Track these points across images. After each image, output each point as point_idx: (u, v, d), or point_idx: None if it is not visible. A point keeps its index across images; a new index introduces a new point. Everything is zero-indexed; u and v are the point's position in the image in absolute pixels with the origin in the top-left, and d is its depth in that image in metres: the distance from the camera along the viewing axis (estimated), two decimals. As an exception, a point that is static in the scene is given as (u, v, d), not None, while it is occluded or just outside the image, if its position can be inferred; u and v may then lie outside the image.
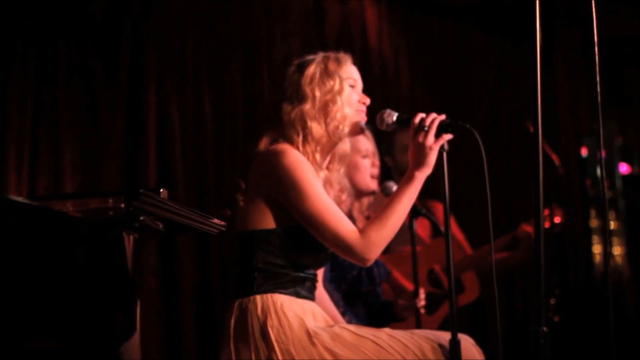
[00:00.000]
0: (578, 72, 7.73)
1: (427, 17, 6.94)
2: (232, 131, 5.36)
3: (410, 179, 2.83)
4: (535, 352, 2.13)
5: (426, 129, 2.83)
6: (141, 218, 2.08)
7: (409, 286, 4.80)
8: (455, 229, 5.45)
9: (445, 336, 2.70)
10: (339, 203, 2.88)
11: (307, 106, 2.88)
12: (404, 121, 2.94)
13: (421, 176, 2.83)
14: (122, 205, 2.04)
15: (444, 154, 2.85)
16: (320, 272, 3.09)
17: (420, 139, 2.82)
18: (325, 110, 2.88)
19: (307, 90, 2.89)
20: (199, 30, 5.34)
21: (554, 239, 5.54)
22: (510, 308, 6.92)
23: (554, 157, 4.86)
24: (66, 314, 1.95)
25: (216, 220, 2.53)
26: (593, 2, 2.29)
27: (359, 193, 3.79)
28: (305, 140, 2.85)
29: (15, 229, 1.85)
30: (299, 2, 5.97)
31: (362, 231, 2.74)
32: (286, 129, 2.87)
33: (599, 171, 7.63)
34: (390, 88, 6.55)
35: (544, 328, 2.12)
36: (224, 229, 2.61)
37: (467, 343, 2.75)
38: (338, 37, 6.24)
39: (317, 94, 2.89)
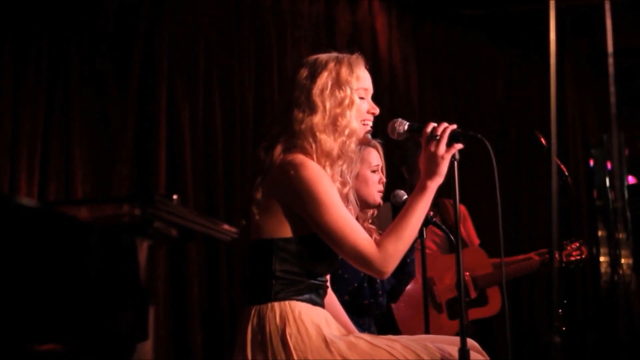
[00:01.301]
0: (586, 83, 7.74)
1: (437, 26, 6.94)
2: (243, 137, 5.38)
3: (422, 189, 2.83)
4: None
5: (438, 138, 2.83)
6: (155, 225, 2.08)
7: (439, 285, 4.83)
8: (473, 236, 5.46)
9: (455, 342, 2.70)
10: (342, 197, 2.86)
11: (317, 118, 2.83)
12: (416, 130, 2.94)
13: (433, 186, 2.83)
14: (137, 211, 2.03)
15: (455, 164, 2.84)
16: (328, 278, 3.09)
17: (432, 148, 2.82)
18: (334, 124, 2.85)
19: (318, 101, 2.84)
20: (210, 37, 5.37)
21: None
22: (517, 318, 6.92)
23: (562, 167, 4.87)
24: (78, 319, 1.95)
25: (227, 227, 2.53)
26: (608, 12, 2.28)
27: (364, 205, 3.78)
28: (317, 152, 2.82)
29: (29, 234, 1.85)
30: (310, 9, 5.99)
31: (379, 244, 2.74)
32: (298, 139, 2.84)
33: (607, 181, 7.63)
34: (400, 97, 6.55)
35: (557, 338, 2.13)
36: (236, 235, 2.61)
37: (474, 352, 2.74)
38: (348, 45, 6.23)
39: (328, 106, 2.84)
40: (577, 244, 5.15)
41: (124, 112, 4.92)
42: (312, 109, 2.84)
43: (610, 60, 2.33)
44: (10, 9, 4.51)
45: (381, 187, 3.79)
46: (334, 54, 2.97)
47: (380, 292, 3.80)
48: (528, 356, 6.83)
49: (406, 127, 2.96)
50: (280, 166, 2.81)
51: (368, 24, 6.42)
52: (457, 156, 2.84)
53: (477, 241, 5.44)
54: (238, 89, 5.45)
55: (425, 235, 3.73)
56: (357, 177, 3.71)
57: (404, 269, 3.84)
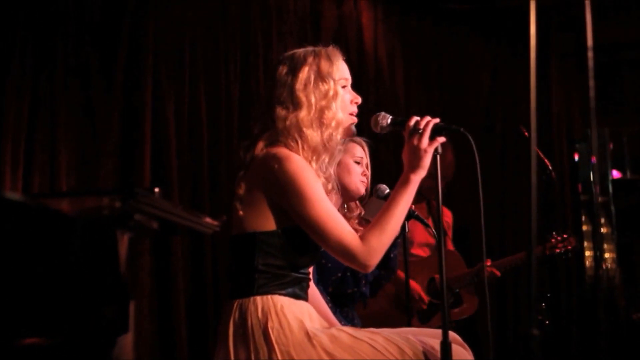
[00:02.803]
0: (571, 78, 7.77)
1: (422, 21, 6.96)
2: (228, 131, 5.38)
3: (405, 182, 2.84)
4: (526, 354, 2.15)
5: (420, 131, 2.84)
6: (136, 217, 2.08)
7: (417, 287, 4.86)
8: (450, 234, 5.51)
9: (437, 335, 2.71)
10: (326, 192, 2.87)
11: (303, 113, 2.83)
12: (399, 124, 2.94)
13: (416, 179, 2.84)
14: (118, 204, 2.03)
15: (438, 157, 2.86)
16: (311, 270, 3.10)
17: (415, 141, 2.83)
18: (320, 117, 2.86)
19: (302, 96, 2.84)
20: (196, 31, 5.36)
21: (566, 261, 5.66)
22: (501, 312, 6.95)
23: (547, 161, 4.90)
24: (58, 311, 1.95)
25: (210, 220, 2.54)
26: (588, 7, 2.28)
27: (346, 194, 3.78)
28: (303, 147, 2.83)
29: (7, 226, 1.85)
30: (296, 4, 5.99)
31: (363, 237, 2.75)
32: (282, 136, 2.83)
33: (591, 176, 7.67)
34: (385, 91, 6.57)
35: (535, 331, 2.14)
36: (218, 229, 2.61)
37: (456, 345, 2.75)
38: (334, 40, 6.18)
39: (312, 100, 2.84)
40: (565, 235, 5.18)
41: (109, 105, 4.91)
42: (296, 104, 2.84)
43: (590, 54, 2.34)
44: (-7, 2, 4.50)
45: (364, 179, 3.80)
46: (309, 48, 2.97)
47: (363, 282, 3.81)
48: (512, 351, 6.85)
49: (389, 120, 2.97)
50: (263, 159, 2.80)
51: (354, 18, 6.43)
52: (439, 150, 2.85)
53: (450, 248, 5.48)
54: (224, 83, 5.44)
55: (407, 229, 3.74)
56: (339, 165, 3.71)
57: (387, 264, 3.86)
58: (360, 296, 3.86)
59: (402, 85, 6.71)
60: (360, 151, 3.82)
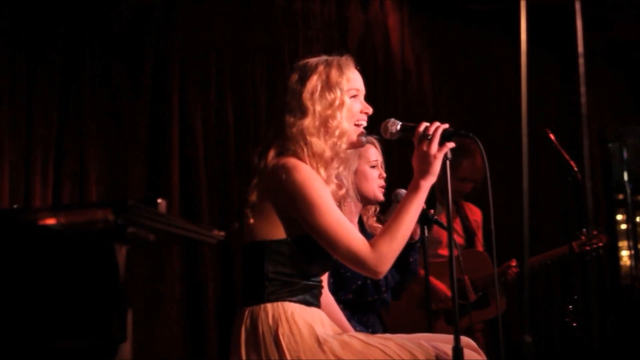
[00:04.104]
0: (601, 78, 7.72)
1: (449, 23, 6.95)
2: (256, 138, 5.40)
3: (415, 188, 2.85)
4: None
5: (430, 137, 2.84)
6: (129, 230, 2.11)
7: (443, 288, 4.86)
8: (479, 242, 5.50)
9: (450, 341, 2.71)
10: (337, 199, 2.89)
11: (308, 121, 2.85)
12: (408, 130, 2.95)
13: (426, 185, 2.85)
14: (110, 217, 2.07)
15: (447, 162, 2.86)
16: (324, 278, 3.11)
17: (424, 147, 2.84)
18: (325, 126, 2.87)
19: (308, 104, 2.86)
20: (222, 39, 5.40)
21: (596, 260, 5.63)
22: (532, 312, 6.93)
23: (572, 163, 4.88)
24: (51, 322, 2.01)
25: (213, 231, 2.57)
26: (578, 12, 2.28)
27: (365, 201, 3.80)
28: (308, 155, 2.84)
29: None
30: (322, 9, 6.01)
31: (373, 244, 2.76)
32: (290, 143, 2.86)
33: (625, 175, 7.63)
34: (413, 94, 6.57)
35: (528, 337, 2.15)
36: (222, 239, 2.64)
37: (469, 350, 2.75)
38: (360, 44, 6.28)
39: (318, 108, 2.86)
40: (595, 232, 5.15)
41: (137, 114, 4.96)
42: (302, 112, 2.87)
43: (581, 61, 2.34)
44: (23, 13, 4.56)
45: (382, 183, 3.81)
46: (323, 57, 2.99)
47: (384, 289, 3.82)
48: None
49: (399, 127, 2.98)
50: (272, 170, 2.82)
51: (380, 22, 6.44)
52: (449, 155, 2.85)
53: (482, 249, 5.47)
54: (250, 90, 5.48)
55: (427, 233, 3.74)
56: (356, 173, 3.73)
57: (407, 268, 3.86)
58: (381, 303, 3.86)
59: (429, 87, 6.71)
60: (374, 153, 3.82)
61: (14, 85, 4.51)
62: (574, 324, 4.57)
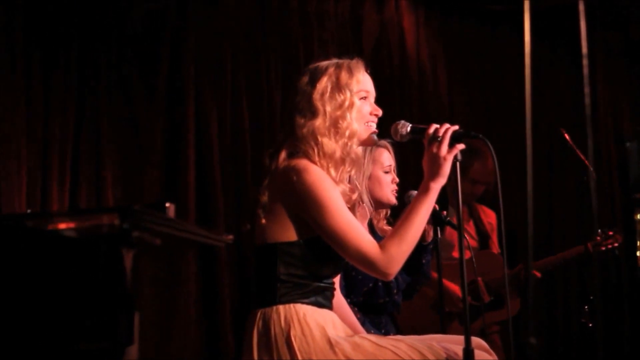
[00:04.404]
0: (619, 76, 7.69)
1: (464, 22, 6.93)
2: (271, 140, 5.41)
3: (425, 190, 2.86)
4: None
5: (440, 139, 2.85)
6: (134, 234, 2.14)
7: (457, 290, 4.86)
8: (494, 244, 5.50)
9: (461, 342, 2.71)
10: (348, 202, 2.90)
11: (318, 122, 2.87)
12: (418, 132, 2.96)
13: (436, 187, 2.86)
14: (116, 222, 2.10)
15: (457, 164, 2.86)
16: (337, 280, 3.12)
17: (434, 149, 2.85)
18: (335, 126, 2.89)
19: (319, 105, 2.88)
20: (237, 41, 5.42)
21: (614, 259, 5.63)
22: (551, 311, 6.92)
23: (586, 162, 4.88)
24: (58, 325, 2.04)
25: (221, 235, 2.59)
26: (582, 13, 2.28)
27: (379, 205, 3.82)
28: (319, 155, 2.86)
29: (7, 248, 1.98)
30: (336, 10, 6.01)
31: (382, 246, 2.77)
32: (301, 143, 2.88)
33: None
34: (429, 95, 6.56)
35: (533, 339, 2.15)
36: (230, 242, 2.66)
37: (479, 351, 2.75)
38: (376, 45, 6.28)
39: (328, 109, 2.88)
40: (610, 233, 5.14)
41: (152, 117, 5.00)
42: (313, 113, 2.88)
43: (585, 62, 2.33)
44: (38, 18, 4.60)
45: (395, 187, 3.82)
46: (334, 60, 3.02)
47: (395, 291, 3.82)
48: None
49: (409, 129, 2.99)
50: (283, 171, 2.84)
51: (395, 22, 6.43)
52: (459, 157, 2.85)
53: (497, 251, 5.47)
54: (266, 92, 5.49)
55: (440, 235, 3.74)
56: (370, 178, 3.75)
57: (420, 270, 3.87)
58: (392, 305, 3.86)
59: (445, 88, 6.69)
60: (387, 158, 3.84)
61: (30, 91, 4.56)
62: (590, 325, 4.57)
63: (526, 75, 2.11)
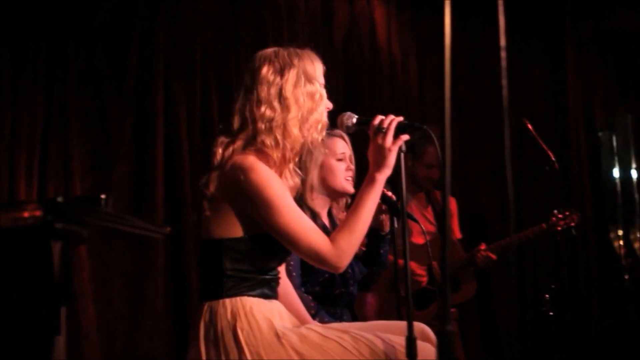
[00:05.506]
0: (591, 67, 7.75)
1: (436, 15, 6.95)
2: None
3: (371, 181, 2.89)
4: (440, 349, 2.22)
5: (384, 130, 2.88)
6: (57, 226, 2.16)
7: (412, 265, 4.91)
8: (455, 230, 5.56)
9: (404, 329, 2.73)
10: (293, 190, 2.92)
11: (291, 114, 2.86)
12: (364, 123, 3.00)
13: (382, 178, 2.88)
14: (39, 213, 2.12)
15: (402, 155, 2.89)
16: (282, 269, 3.15)
17: (380, 141, 2.88)
18: (307, 119, 2.90)
19: (291, 97, 2.87)
20: (207, 33, 5.43)
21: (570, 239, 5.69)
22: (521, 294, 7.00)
23: (549, 153, 4.95)
24: None
25: (157, 226, 2.62)
26: (501, 7, 2.33)
27: (334, 194, 3.86)
28: (283, 147, 2.86)
29: None
30: (307, 3, 6.02)
31: (333, 240, 2.80)
32: (262, 135, 2.85)
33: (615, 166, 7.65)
34: (399, 87, 6.59)
35: (449, 327, 2.21)
36: (168, 232, 2.68)
37: (422, 343, 2.77)
38: (346, 37, 6.30)
39: (301, 101, 2.88)
40: (567, 213, 5.20)
41: (121, 110, 5.00)
42: (284, 105, 2.87)
43: (503, 54, 2.39)
44: (6, 11, 4.60)
45: (350, 174, 3.86)
46: (290, 49, 3.00)
47: (351, 282, 3.85)
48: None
49: (354, 120, 3.03)
50: (230, 170, 2.82)
51: (366, 15, 6.44)
52: (403, 147, 2.88)
53: (458, 236, 5.53)
54: (235, 85, 5.47)
55: (396, 225, 3.74)
56: (322, 166, 3.77)
57: (377, 260, 3.90)
58: (348, 296, 3.89)
59: (416, 80, 6.72)
60: (341, 146, 3.86)
61: (-2, 83, 4.56)
62: (551, 313, 4.62)
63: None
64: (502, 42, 2.38)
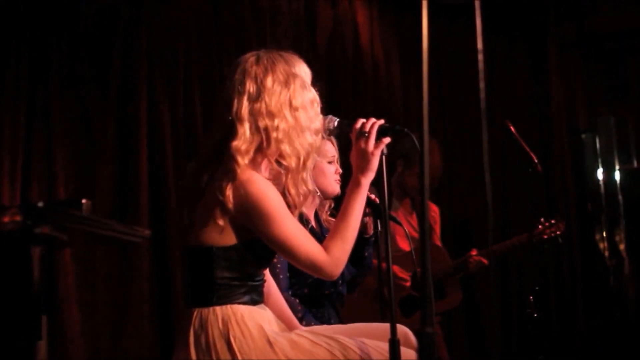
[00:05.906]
0: (573, 68, 7.78)
1: (418, 17, 6.95)
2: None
3: (356, 185, 2.90)
4: (421, 351, 2.22)
5: (366, 134, 2.89)
6: (36, 231, 2.14)
7: (395, 269, 4.92)
8: (436, 237, 5.58)
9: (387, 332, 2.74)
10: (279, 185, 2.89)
11: (303, 123, 2.83)
12: (346, 127, 3.00)
13: (366, 182, 2.89)
14: (18, 218, 2.11)
15: (384, 158, 2.90)
16: (266, 272, 3.14)
17: (362, 144, 2.89)
18: (310, 126, 2.87)
19: (300, 106, 2.83)
20: (190, 36, 5.42)
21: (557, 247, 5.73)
22: (506, 299, 7.02)
23: (532, 154, 4.97)
24: None
25: (141, 231, 2.61)
26: (478, 10, 2.34)
27: (324, 196, 3.88)
28: (293, 157, 2.83)
29: None
30: (290, 5, 6.02)
31: (326, 248, 2.81)
32: (281, 145, 2.80)
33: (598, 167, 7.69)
34: (382, 90, 6.59)
35: (429, 329, 2.22)
36: (148, 237, 2.67)
37: (404, 348, 2.77)
38: (329, 40, 6.30)
39: (308, 109, 2.86)
40: (553, 221, 5.23)
41: (105, 114, 5.00)
42: (294, 115, 2.83)
43: (480, 57, 2.40)
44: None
45: (338, 177, 3.88)
46: (273, 53, 2.93)
47: (340, 282, 3.86)
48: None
49: (336, 123, 3.03)
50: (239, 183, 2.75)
51: (349, 17, 6.44)
52: (385, 151, 2.89)
53: (439, 244, 5.54)
54: (218, 87, 5.48)
55: (380, 229, 3.73)
56: (315, 168, 3.78)
57: (363, 262, 3.91)
58: (337, 296, 3.90)
59: (399, 83, 6.72)
60: (331, 149, 3.89)
61: (-20, 88, 4.55)
62: (535, 315, 4.64)
63: (423, 71, 2.16)
64: (479, 45, 2.39)
